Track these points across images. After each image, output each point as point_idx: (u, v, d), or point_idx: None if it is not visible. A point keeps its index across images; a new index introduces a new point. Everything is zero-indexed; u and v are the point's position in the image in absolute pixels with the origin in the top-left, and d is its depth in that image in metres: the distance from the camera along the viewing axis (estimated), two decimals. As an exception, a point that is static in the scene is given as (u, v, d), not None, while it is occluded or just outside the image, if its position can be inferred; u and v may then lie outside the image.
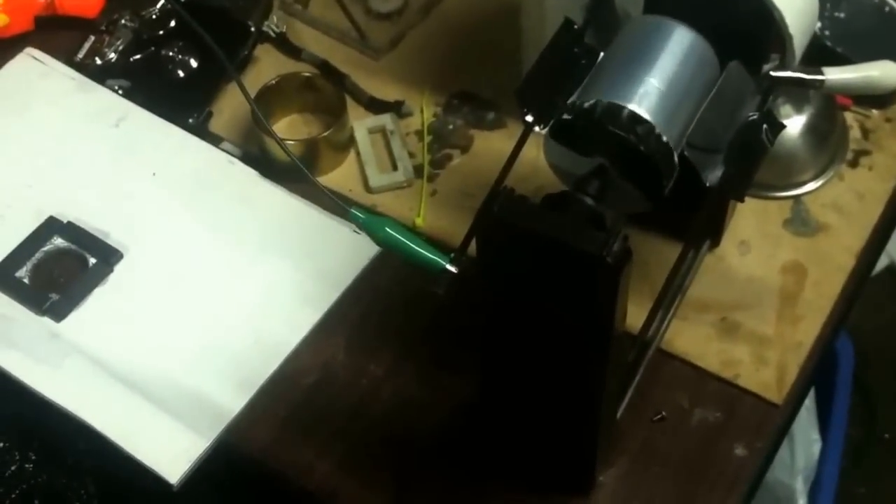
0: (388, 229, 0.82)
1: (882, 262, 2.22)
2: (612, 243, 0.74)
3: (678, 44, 0.84)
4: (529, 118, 0.86)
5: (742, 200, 0.85)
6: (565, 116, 0.81)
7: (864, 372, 2.01)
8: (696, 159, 0.84)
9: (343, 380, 1.07)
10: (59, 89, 1.25)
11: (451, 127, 1.24)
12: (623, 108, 0.80)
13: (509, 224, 0.76)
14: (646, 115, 0.80)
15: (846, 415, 1.77)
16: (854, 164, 1.19)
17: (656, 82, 0.81)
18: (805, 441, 1.67)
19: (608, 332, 0.80)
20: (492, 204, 0.76)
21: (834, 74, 0.88)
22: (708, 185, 0.84)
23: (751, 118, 0.85)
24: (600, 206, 0.80)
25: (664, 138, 0.80)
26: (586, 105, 0.80)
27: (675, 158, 0.81)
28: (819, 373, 1.71)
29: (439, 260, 0.81)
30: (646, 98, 0.80)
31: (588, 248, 0.74)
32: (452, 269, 0.81)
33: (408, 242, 0.81)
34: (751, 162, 0.84)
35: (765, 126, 0.85)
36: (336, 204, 0.85)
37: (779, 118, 1.12)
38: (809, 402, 1.71)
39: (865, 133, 1.21)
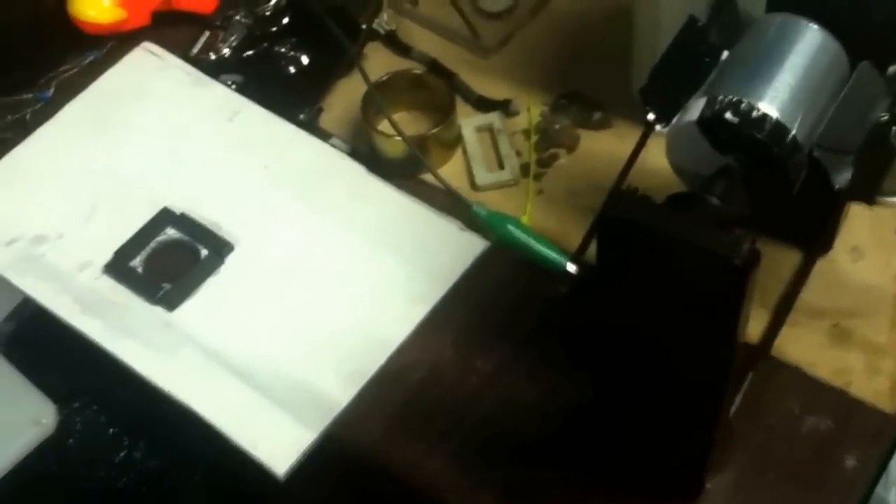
0: (510, 227, 0.81)
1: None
2: (741, 245, 0.73)
3: (809, 42, 0.83)
4: (651, 116, 0.85)
5: (872, 203, 0.84)
6: (707, 114, 0.80)
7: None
8: (826, 160, 0.82)
9: (451, 377, 1.07)
10: (175, 83, 1.27)
11: (557, 126, 1.23)
12: (755, 106, 0.79)
13: (635, 224, 0.75)
14: (777, 114, 0.79)
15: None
16: (973, 171, 1.16)
17: (787, 80, 0.80)
18: (904, 453, 1.63)
19: (733, 336, 0.78)
20: (616, 203, 0.75)
21: (971, 76, 0.86)
22: (837, 187, 0.83)
23: (881, 119, 0.83)
24: (727, 208, 0.79)
25: (796, 137, 0.79)
26: (722, 102, 0.79)
27: (805, 158, 0.80)
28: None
29: (561, 259, 0.80)
30: (777, 97, 0.79)
31: (717, 249, 0.73)
32: (573, 268, 0.80)
33: (531, 241, 0.81)
34: (880, 164, 0.82)
35: (895, 128, 0.83)
36: (450, 202, 0.85)
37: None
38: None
39: (985, 139, 1.18)
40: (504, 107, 1.25)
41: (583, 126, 1.23)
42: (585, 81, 1.26)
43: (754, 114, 0.78)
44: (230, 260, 1.13)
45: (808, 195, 0.84)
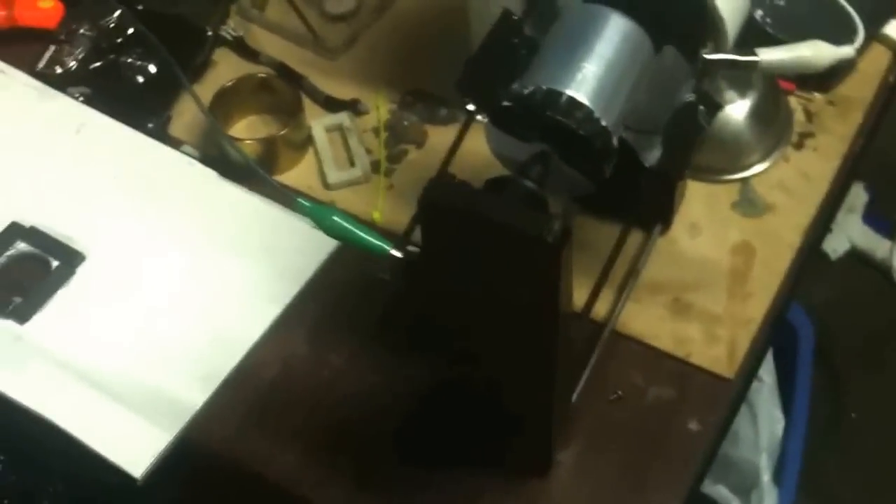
0: (335, 217, 0.84)
1: (844, 245, 2.27)
2: (551, 224, 0.76)
3: (614, 30, 0.86)
4: (471, 107, 0.88)
5: (681, 179, 0.88)
6: (504, 103, 0.83)
7: (831, 351, 2.04)
8: (635, 141, 0.86)
9: (303, 372, 1.09)
10: (20, 98, 1.27)
11: (405, 123, 1.26)
12: (561, 93, 0.82)
13: (450, 208, 0.79)
14: (583, 100, 0.82)
15: (808, 392, 1.80)
16: (799, 146, 1.22)
17: (592, 67, 0.84)
18: (768, 419, 1.70)
19: (554, 312, 0.82)
20: (433, 189, 0.79)
21: (767, 55, 0.90)
22: (647, 165, 0.86)
23: (687, 100, 0.87)
24: (541, 190, 0.82)
25: (602, 121, 0.82)
26: (525, 92, 0.83)
27: (615, 141, 0.84)
28: (780, 352, 1.75)
29: (384, 245, 0.83)
30: (583, 83, 0.83)
31: (528, 228, 0.76)
32: (397, 253, 0.83)
33: (353, 229, 0.83)
34: (688, 142, 0.87)
35: (701, 107, 0.87)
36: (284, 195, 0.87)
37: (723, 103, 1.16)
38: (771, 381, 1.74)
39: (809, 116, 1.24)
40: (353, 106, 1.27)
41: (430, 122, 1.26)
42: (431, 78, 1.29)
43: (561, 101, 0.82)
44: (81, 270, 1.14)
45: (629, 177, 0.88)
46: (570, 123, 0.82)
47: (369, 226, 0.87)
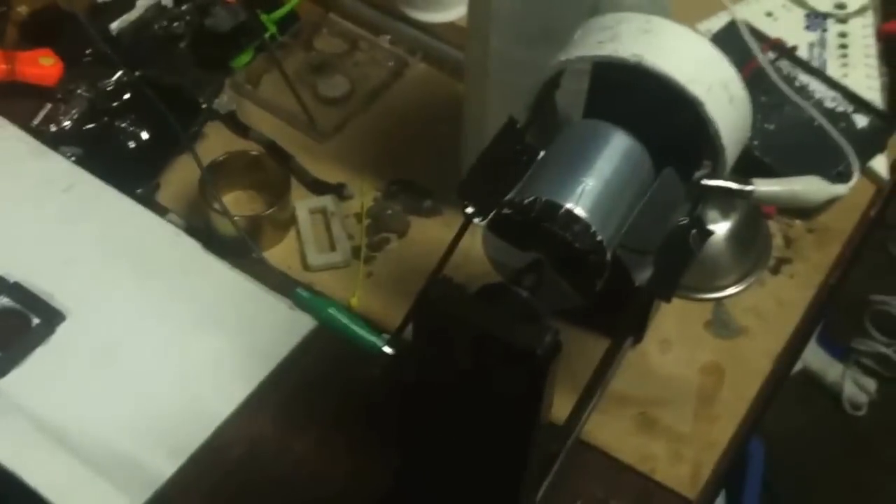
0: (331, 311, 0.85)
1: (795, 366, 2.29)
2: (542, 336, 0.78)
3: (616, 148, 0.88)
4: (469, 210, 0.90)
5: (669, 301, 0.89)
6: (505, 212, 0.85)
7: (773, 476, 2.06)
8: (628, 259, 0.88)
9: (268, 455, 1.09)
10: (13, 153, 1.28)
11: (389, 212, 1.28)
12: (560, 205, 0.83)
13: (446, 312, 0.80)
14: (581, 214, 0.84)
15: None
16: (776, 271, 1.24)
17: (592, 182, 0.85)
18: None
19: (534, 421, 0.83)
20: (430, 291, 0.80)
21: (762, 186, 0.92)
22: (637, 284, 0.88)
23: (680, 223, 0.89)
24: (534, 300, 0.84)
25: (598, 236, 0.84)
26: (525, 202, 0.84)
27: (608, 257, 0.85)
28: (730, 473, 1.76)
29: (377, 342, 0.84)
30: (582, 197, 0.84)
31: (520, 340, 0.78)
32: (389, 350, 0.84)
33: (349, 324, 0.84)
34: (678, 265, 0.88)
35: (693, 231, 0.89)
36: (281, 281, 0.88)
37: (705, 223, 1.19)
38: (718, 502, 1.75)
39: (788, 242, 1.27)
40: (338, 190, 1.29)
41: (413, 213, 1.28)
42: (417, 169, 1.31)
43: (560, 214, 0.83)
44: (61, 330, 1.14)
45: (614, 291, 0.89)
46: (566, 236, 0.83)
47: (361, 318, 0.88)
